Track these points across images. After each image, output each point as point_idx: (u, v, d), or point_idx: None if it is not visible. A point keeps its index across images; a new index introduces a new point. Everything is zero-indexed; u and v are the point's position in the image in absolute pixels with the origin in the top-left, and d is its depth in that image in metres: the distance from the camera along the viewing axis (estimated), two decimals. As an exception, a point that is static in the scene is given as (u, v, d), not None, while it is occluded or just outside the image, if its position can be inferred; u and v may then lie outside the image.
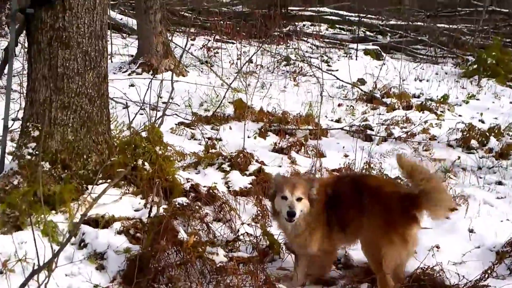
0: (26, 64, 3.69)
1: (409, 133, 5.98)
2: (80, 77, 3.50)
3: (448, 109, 7.22)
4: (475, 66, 9.44)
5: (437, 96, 7.70)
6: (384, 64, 9.32)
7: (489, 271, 2.80)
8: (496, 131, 5.76)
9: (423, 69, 9.81)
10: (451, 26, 13.05)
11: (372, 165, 4.59)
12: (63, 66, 3.44)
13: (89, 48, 3.54)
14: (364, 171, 4.51)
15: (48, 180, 3.32)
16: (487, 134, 5.68)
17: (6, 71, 3.65)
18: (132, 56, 8.47)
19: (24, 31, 3.58)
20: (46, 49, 3.42)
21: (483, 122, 6.81)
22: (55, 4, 3.37)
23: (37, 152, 3.32)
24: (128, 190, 3.65)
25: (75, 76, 3.48)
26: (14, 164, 3.34)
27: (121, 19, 10.74)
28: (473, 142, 5.58)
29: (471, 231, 3.50)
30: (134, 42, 9.03)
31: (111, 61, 8.24)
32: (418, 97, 7.91)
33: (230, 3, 15.21)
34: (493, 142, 5.51)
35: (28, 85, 3.50)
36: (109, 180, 3.43)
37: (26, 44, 3.59)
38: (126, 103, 5.82)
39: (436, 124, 6.47)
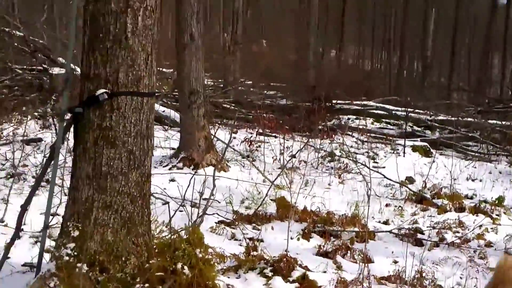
0: (67, 157, 3.81)
1: (462, 239, 5.80)
2: (124, 177, 3.58)
3: (504, 212, 7.01)
4: (531, 166, 9.27)
5: (492, 198, 7.52)
6: (434, 161, 9.25)
7: None
8: (559, 238, 5.54)
9: (475, 167, 9.68)
10: (503, 122, 12.96)
11: (424, 274, 4.44)
12: (107, 165, 3.53)
13: (134, 147, 3.65)
14: (415, 280, 4.36)
15: (85, 284, 3.33)
16: (550, 243, 5.47)
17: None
18: (173, 149, 8.68)
19: (71, 129, 3.73)
20: (92, 148, 3.54)
21: (544, 228, 6.57)
22: (103, 104, 3.51)
23: (75, 253, 3.36)
24: (166, 296, 3.62)
25: (118, 175, 3.56)
26: (51, 265, 3.38)
27: (164, 111, 11.12)
28: (535, 252, 5.37)
29: None
30: (175, 134, 9.28)
31: (152, 154, 8.44)
32: (471, 198, 7.73)
33: (273, 95, 15.66)
34: (556, 251, 5.29)
35: (71, 183, 3.59)
36: (146, 285, 3.42)
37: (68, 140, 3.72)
38: (166, 199, 5.89)
39: (491, 229, 6.26)
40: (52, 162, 3.74)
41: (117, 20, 3.33)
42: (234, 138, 9.99)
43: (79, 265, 3.37)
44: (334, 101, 14.34)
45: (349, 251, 5.23)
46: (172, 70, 13.70)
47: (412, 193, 7.52)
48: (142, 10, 3.38)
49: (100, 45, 3.36)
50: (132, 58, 3.44)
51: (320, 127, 11.45)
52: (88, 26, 3.37)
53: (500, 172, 9.55)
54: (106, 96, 3.48)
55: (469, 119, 13.69)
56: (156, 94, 4.02)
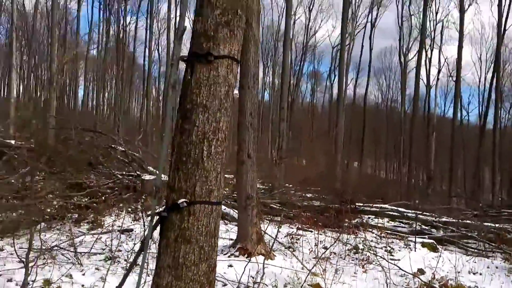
0: (154, 247, 3.81)
1: (469, 326, 5.34)
2: (196, 267, 3.54)
3: (503, 303, 6.47)
4: (523, 263, 8.63)
5: (491, 290, 6.98)
6: (440, 256, 8.76)
7: None
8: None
9: (475, 262, 9.06)
10: (496, 225, 12.31)
11: None
12: (183, 258, 3.51)
13: (204, 244, 3.64)
14: None
15: None
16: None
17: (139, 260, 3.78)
18: (231, 239, 8.58)
19: (158, 228, 3.77)
20: (173, 243, 3.55)
21: (539, 319, 6.00)
22: (183, 209, 3.57)
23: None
24: None
25: (191, 266, 3.52)
26: None
27: (225, 209, 11.16)
28: None
29: None
30: (233, 228, 9.23)
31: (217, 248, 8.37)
32: (474, 289, 7.21)
33: (310, 197, 15.51)
34: None
35: (155, 270, 3.57)
36: None
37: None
38: (225, 282, 5.75)
39: (493, 318, 5.77)
40: (142, 253, 3.76)
41: (196, 147, 3.44)
42: (279, 232, 9.82)
43: None
44: (357, 204, 14.07)
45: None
46: (232, 176, 13.88)
47: (424, 283, 7.07)
48: (215, 140, 3.48)
49: (183, 165, 3.47)
50: (206, 176, 3.52)
51: (346, 224, 11.17)
52: (176, 151, 3.50)
53: (496, 267, 8.87)
54: (186, 204, 3.55)
55: (467, 221, 13.06)
56: (221, 203, 4.06)
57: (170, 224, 3.62)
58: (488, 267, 8.85)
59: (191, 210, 3.60)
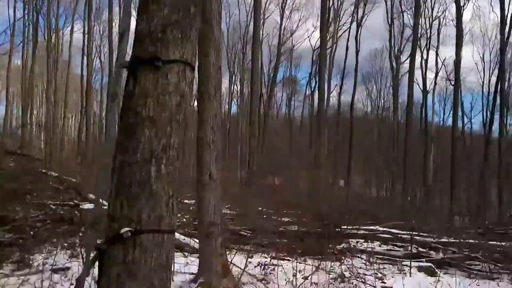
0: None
1: None
2: (145, 312, 3.50)
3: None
4: (533, 283, 8.89)
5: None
6: (439, 280, 8.92)
7: None
8: None
9: (478, 285, 9.29)
10: (503, 243, 12.64)
11: None
12: (130, 299, 3.48)
13: (154, 278, 3.58)
14: None
15: None
16: None
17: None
18: (192, 273, 8.51)
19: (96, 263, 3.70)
20: (115, 281, 3.47)
21: None
22: (128, 241, 3.52)
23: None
24: None
25: (140, 309, 3.49)
26: None
27: (184, 239, 11.08)
28: None
29: None
30: (195, 260, 9.14)
31: (173, 280, 8.29)
32: (478, 316, 7.35)
33: (287, 222, 15.55)
34: None
35: (96, 315, 3.51)
36: None
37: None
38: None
39: None
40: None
41: (142, 168, 3.35)
42: (250, 262, 9.81)
43: None
44: (343, 227, 14.19)
45: None
46: (193, 201, 13.81)
47: (419, 311, 7.18)
48: (165, 159, 3.39)
49: (126, 189, 3.37)
50: (154, 200, 3.46)
51: (330, 250, 11.25)
52: (116, 173, 3.41)
53: (503, 290, 9.15)
54: (130, 234, 3.51)
55: (470, 240, 13.35)
56: (175, 231, 4.04)
57: (111, 258, 3.47)
58: (493, 290, 9.08)
59: (137, 241, 3.48)
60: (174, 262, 8.87)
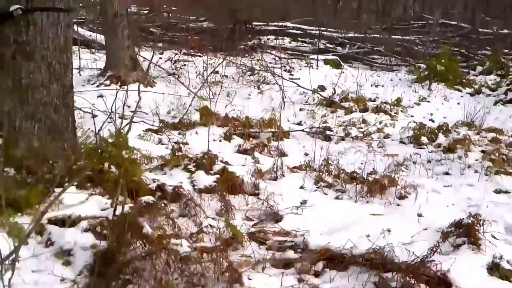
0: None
1: (365, 133, 6.11)
2: (45, 88, 3.48)
3: (401, 111, 7.40)
4: (426, 73, 9.72)
5: (392, 100, 7.84)
6: (343, 72, 9.48)
7: (434, 249, 2.89)
8: (444, 128, 5.89)
9: (378, 76, 10.01)
10: (405, 37, 13.38)
11: (330, 162, 4.65)
12: (27, 78, 3.42)
13: (54, 60, 3.52)
14: (323, 167, 4.56)
15: (14, 185, 3.27)
16: (436, 131, 5.82)
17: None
18: (101, 69, 8.41)
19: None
20: (10, 62, 3.39)
21: (433, 121, 7.04)
22: (19, 19, 3.32)
23: (2, 160, 3.27)
24: (95, 191, 3.61)
25: (39, 87, 3.46)
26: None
27: (90, 35, 10.70)
28: (424, 139, 5.72)
29: (420, 215, 3.59)
30: (102, 56, 8.96)
31: (80, 75, 8.17)
32: (374, 101, 8.03)
33: (198, 20, 15.27)
34: (441, 139, 5.62)
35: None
36: (75, 183, 3.40)
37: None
38: (93, 112, 5.76)
39: (390, 124, 6.61)
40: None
41: None
42: (161, 58, 9.79)
43: (6, 169, 3.33)
44: (254, 24, 14.18)
45: (266, 148, 5.37)
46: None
47: (323, 98, 7.72)
48: None
49: None
50: None
51: (241, 46, 11.38)
52: None
53: (400, 79, 9.93)
54: (21, 12, 3.30)
55: (375, 35, 13.97)
56: (72, 9, 3.83)
57: (3, 38, 3.39)
58: (391, 80, 9.86)
59: (29, 19, 3.40)
60: (80, 58, 8.68)
